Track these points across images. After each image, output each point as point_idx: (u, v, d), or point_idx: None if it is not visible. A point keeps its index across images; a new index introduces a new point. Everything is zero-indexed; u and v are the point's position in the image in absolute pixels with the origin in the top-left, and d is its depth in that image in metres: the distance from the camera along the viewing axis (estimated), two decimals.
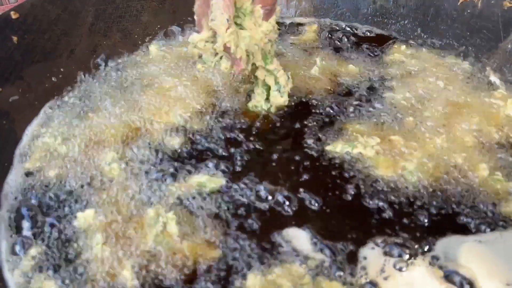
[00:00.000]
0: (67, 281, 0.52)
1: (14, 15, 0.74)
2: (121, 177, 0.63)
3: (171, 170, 0.64)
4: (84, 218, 0.58)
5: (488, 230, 0.57)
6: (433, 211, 0.59)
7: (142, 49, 0.88)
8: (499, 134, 0.72)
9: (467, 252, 0.54)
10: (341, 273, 0.51)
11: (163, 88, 0.77)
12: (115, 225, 0.56)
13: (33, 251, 0.56)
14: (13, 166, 0.66)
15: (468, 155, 0.68)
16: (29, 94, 0.73)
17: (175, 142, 0.68)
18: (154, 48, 0.87)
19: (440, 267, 0.52)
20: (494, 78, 0.83)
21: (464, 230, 0.57)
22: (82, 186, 0.62)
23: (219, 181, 0.62)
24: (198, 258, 0.53)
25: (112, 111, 0.73)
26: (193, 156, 0.66)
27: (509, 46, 0.86)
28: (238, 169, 0.64)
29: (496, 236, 0.57)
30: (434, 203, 0.60)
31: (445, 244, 0.55)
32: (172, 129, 0.70)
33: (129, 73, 0.82)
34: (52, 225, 0.58)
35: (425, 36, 0.94)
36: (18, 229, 0.58)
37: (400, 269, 0.52)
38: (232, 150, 0.67)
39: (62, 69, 0.79)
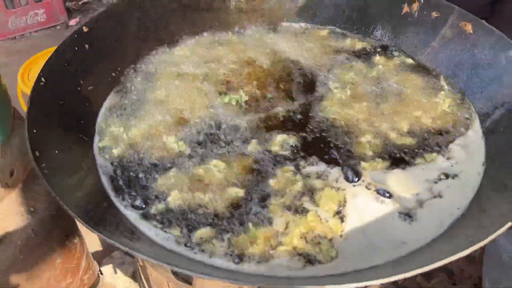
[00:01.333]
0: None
1: (85, 29, 1.04)
2: (183, 150, 0.90)
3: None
4: (173, 198, 0.81)
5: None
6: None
7: (172, 51, 1.19)
8: (431, 123, 0.96)
9: (391, 176, 0.89)
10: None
11: (192, 79, 1.09)
12: (197, 184, 0.85)
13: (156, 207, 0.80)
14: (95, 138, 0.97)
15: (380, 127, 0.96)
16: (99, 85, 1.04)
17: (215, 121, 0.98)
18: (180, 49, 1.19)
19: (373, 185, 0.87)
20: (443, 83, 1.08)
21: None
22: (154, 163, 0.88)
23: (293, 138, 0.94)
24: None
25: (156, 103, 1.02)
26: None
27: (437, 45, 1.20)
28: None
29: (412, 167, 0.91)
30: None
31: (376, 172, 0.89)
32: (208, 115, 1.00)
33: (164, 70, 1.13)
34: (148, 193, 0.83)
35: (376, 37, 1.27)
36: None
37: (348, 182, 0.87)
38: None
39: (118, 68, 1.10)
